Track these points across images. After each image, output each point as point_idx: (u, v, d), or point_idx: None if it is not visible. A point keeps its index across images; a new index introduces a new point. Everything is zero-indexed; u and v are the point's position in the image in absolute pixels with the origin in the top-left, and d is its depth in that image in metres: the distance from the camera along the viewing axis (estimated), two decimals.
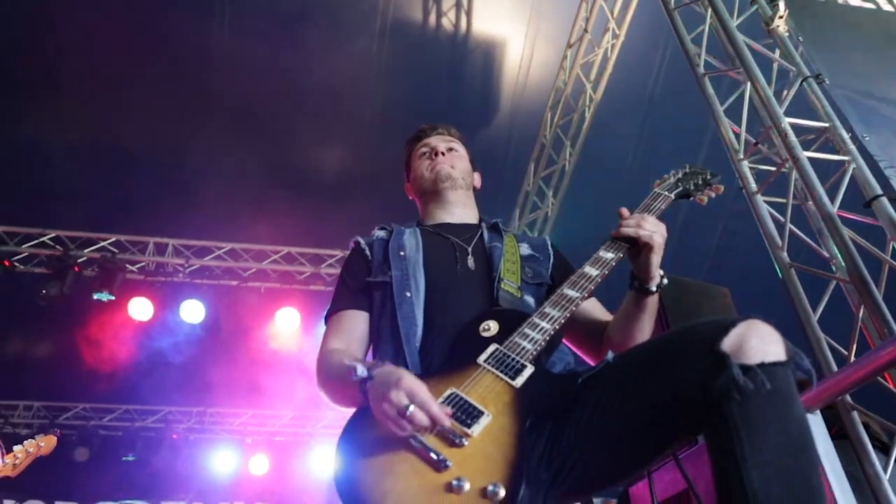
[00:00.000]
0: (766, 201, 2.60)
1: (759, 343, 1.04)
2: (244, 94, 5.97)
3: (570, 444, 1.19)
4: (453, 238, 1.65)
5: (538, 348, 1.26)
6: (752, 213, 2.61)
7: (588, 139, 5.44)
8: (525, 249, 1.67)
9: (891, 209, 2.30)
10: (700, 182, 1.69)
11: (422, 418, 1.05)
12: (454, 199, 1.75)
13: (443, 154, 1.76)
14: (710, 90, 2.96)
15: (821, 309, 2.38)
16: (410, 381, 1.10)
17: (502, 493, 1.00)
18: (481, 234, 1.67)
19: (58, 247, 6.54)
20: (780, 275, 2.46)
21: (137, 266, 6.68)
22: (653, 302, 1.45)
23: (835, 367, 2.24)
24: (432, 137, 1.83)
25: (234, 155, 6.37)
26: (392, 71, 6.03)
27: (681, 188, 1.66)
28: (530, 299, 1.53)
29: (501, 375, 1.21)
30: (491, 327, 1.35)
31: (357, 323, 1.51)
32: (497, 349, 1.28)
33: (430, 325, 1.43)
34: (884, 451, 2.21)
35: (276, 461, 8.30)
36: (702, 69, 3.02)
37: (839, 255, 2.33)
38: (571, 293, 1.39)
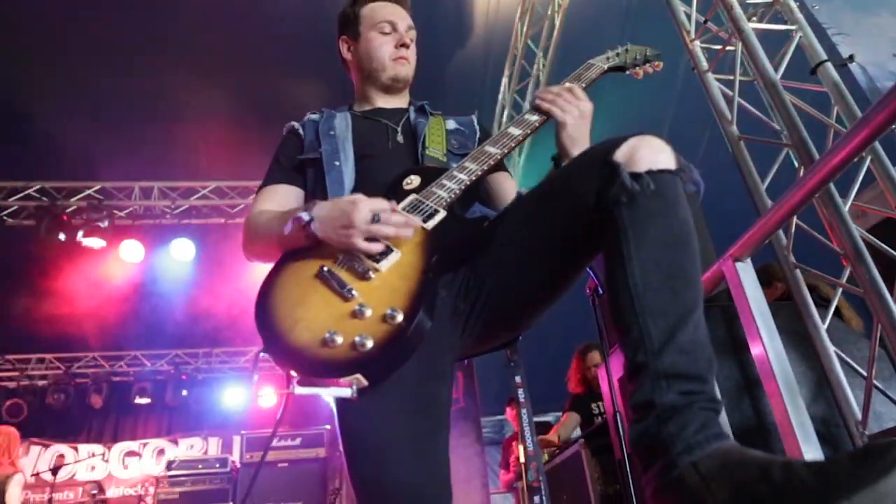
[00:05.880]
0: (717, 79, 2.60)
1: (648, 152, 1.09)
2: (216, 27, 5.87)
3: (486, 275, 1.27)
4: (383, 120, 1.67)
5: (452, 196, 1.32)
6: (704, 92, 2.62)
7: (564, 51, 5.34)
8: (451, 125, 1.69)
9: (835, 73, 2.30)
10: (638, 57, 1.70)
11: (390, 222, 1.18)
12: (398, 93, 1.74)
13: (407, 47, 1.67)
14: None
15: (769, 177, 2.42)
16: (365, 198, 1.22)
17: (400, 317, 1.08)
18: (408, 116, 1.69)
19: (44, 198, 6.60)
20: (730, 149, 2.49)
21: (125, 211, 6.75)
22: None
23: (782, 233, 2.30)
24: (396, 10, 1.69)
25: (213, 91, 6.30)
26: None
27: (616, 61, 1.67)
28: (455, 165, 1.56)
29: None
30: (413, 181, 1.41)
31: (287, 196, 1.55)
32: (415, 198, 1.34)
33: (358, 189, 1.48)
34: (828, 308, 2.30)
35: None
36: None
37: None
38: (491, 149, 1.44)
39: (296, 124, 1.69)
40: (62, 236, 6.17)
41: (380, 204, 1.21)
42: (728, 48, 2.62)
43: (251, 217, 1.49)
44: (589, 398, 4.20)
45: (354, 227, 1.18)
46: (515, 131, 1.48)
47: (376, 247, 1.19)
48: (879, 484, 0.66)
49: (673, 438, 0.86)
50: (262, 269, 1.37)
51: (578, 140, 1.37)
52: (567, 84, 1.46)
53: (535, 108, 1.43)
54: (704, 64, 2.68)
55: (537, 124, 1.47)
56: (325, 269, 1.19)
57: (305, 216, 1.25)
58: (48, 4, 5.35)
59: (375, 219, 1.18)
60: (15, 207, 6.57)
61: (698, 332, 0.98)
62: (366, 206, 1.20)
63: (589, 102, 1.42)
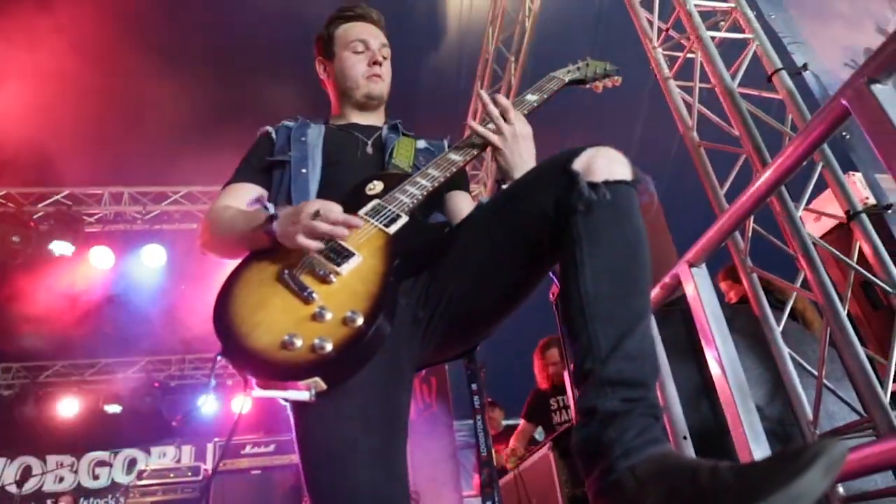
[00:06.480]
0: (678, 85, 2.67)
1: (605, 163, 1.13)
2: (191, 32, 5.82)
3: (446, 283, 1.29)
4: (356, 133, 1.70)
5: (414, 202, 1.35)
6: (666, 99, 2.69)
7: (535, 56, 5.42)
8: (422, 144, 1.73)
9: (790, 82, 2.38)
10: (598, 71, 1.75)
11: (327, 219, 1.19)
12: (373, 110, 1.76)
13: (380, 64, 1.70)
14: None
15: (728, 182, 2.49)
16: (318, 200, 1.24)
17: (360, 319, 1.09)
18: (381, 132, 1.72)
19: (10, 204, 6.47)
20: (691, 155, 2.56)
21: (95, 217, 6.65)
22: None
23: (739, 237, 2.37)
24: (369, 29, 1.74)
25: (185, 95, 6.24)
26: None
27: (577, 74, 1.72)
28: None
29: (377, 223, 1.30)
30: (376, 186, 1.44)
31: (251, 195, 1.56)
32: (378, 203, 1.36)
33: (322, 194, 1.50)
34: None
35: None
36: None
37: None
38: (454, 157, 1.48)
39: (270, 128, 1.72)
40: (16, 238, 6.03)
41: (325, 204, 1.23)
42: (689, 55, 2.70)
43: (214, 211, 1.50)
44: (550, 394, 4.29)
45: (299, 221, 1.21)
46: (477, 140, 1.52)
47: (315, 244, 1.20)
48: (793, 485, 0.70)
49: (612, 443, 0.89)
50: (233, 264, 1.38)
51: (516, 162, 1.39)
52: (500, 103, 1.45)
53: (473, 134, 1.46)
54: (666, 70, 2.75)
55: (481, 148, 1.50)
56: (286, 272, 1.21)
57: (272, 208, 1.28)
58: (8, 4, 5.26)
59: (316, 215, 1.20)
60: None
61: (645, 341, 1.01)
62: (315, 204, 1.22)
63: (522, 125, 1.43)
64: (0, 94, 5.75)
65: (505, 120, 1.42)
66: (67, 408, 8.58)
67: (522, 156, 1.40)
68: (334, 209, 1.23)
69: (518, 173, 1.36)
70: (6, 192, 6.47)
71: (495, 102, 1.44)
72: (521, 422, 4.46)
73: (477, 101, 5.88)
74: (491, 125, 1.43)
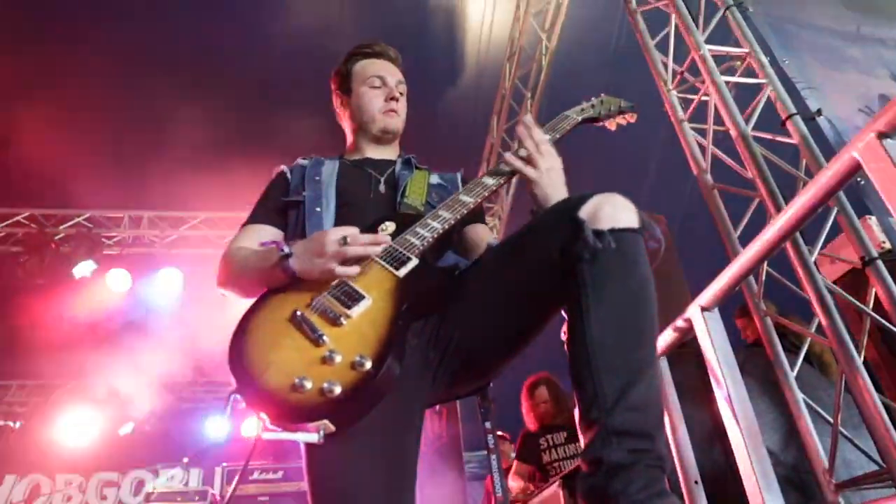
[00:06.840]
0: (692, 128, 2.69)
1: (611, 210, 1.14)
2: (214, 59, 5.97)
3: (455, 325, 1.31)
4: (369, 169, 1.73)
5: (425, 244, 1.36)
6: (681, 140, 2.71)
7: (552, 92, 5.49)
8: (435, 179, 1.74)
9: (803, 127, 2.39)
10: (612, 109, 1.75)
11: (357, 242, 1.24)
12: (387, 144, 1.79)
13: (396, 100, 1.74)
14: (642, 25, 3.04)
15: (742, 225, 2.49)
16: (335, 228, 1.29)
17: (368, 364, 1.11)
18: (394, 168, 1.74)
19: (33, 225, 6.61)
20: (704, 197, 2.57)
21: (114, 240, 6.77)
22: None
23: (753, 280, 2.36)
24: (386, 66, 1.78)
25: (206, 122, 6.38)
26: (357, 32, 6.06)
27: (591, 112, 1.73)
28: None
29: (387, 266, 1.31)
30: (388, 227, 1.46)
31: (267, 236, 1.59)
32: (389, 245, 1.38)
33: None
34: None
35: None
36: (633, 4, 3.09)
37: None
38: (466, 198, 1.49)
39: (285, 168, 1.75)
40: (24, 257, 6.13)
41: (348, 229, 1.27)
42: (703, 98, 2.72)
43: (229, 251, 1.53)
44: (539, 434, 4.21)
45: (326, 252, 1.24)
46: (489, 180, 1.54)
47: (353, 269, 1.25)
48: None
49: (618, 495, 0.90)
50: (247, 301, 1.41)
51: (549, 194, 1.40)
52: (538, 137, 1.46)
53: (506, 164, 1.47)
54: (681, 113, 2.78)
55: (503, 181, 1.53)
56: (299, 313, 1.22)
57: (286, 248, 1.31)
58: (37, 30, 5.44)
59: (345, 242, 1.24)
60: (2, 234, 6.57)
61: (650, 390, 1.01)
62: (335, 232, 1.26)
63: (554, 158, 1.44)
64: (27, 117, 5.92)
65: (539, 153, 1.43)
66: (78, 427, 8.60)
67: (557, 187, 1.41)
68: (358, 232, 1.27)
69: (552, 202, 1.37)
70: (29, 213, 6.62)
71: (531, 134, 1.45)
72: (515, 463, 4.36)
73: (491, 137, 5.94)
74: (534, 157, 1.42)
